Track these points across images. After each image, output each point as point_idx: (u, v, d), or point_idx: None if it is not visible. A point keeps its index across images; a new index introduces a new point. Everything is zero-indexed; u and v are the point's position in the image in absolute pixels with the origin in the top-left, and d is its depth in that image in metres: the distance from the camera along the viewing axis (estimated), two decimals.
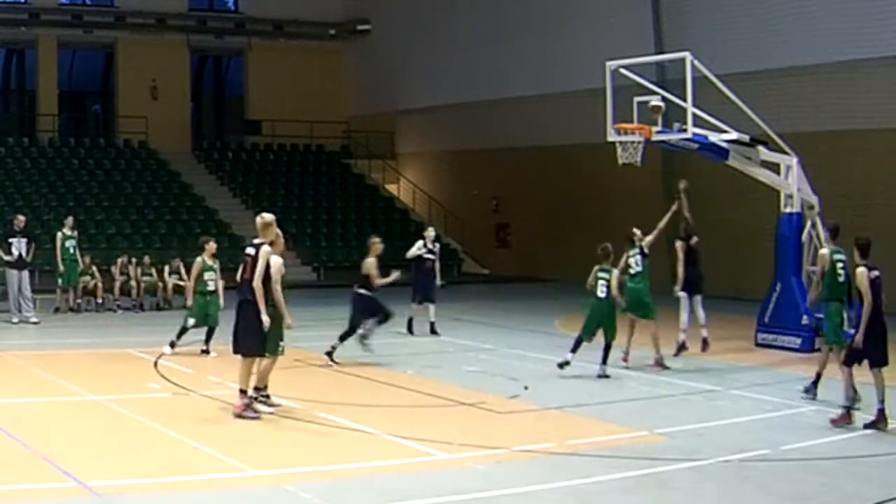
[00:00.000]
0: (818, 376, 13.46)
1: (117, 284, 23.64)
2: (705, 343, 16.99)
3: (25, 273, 21.32)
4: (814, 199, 18.58)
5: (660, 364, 15.88)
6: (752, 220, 23.41)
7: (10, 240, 21.36)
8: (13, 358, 16.40)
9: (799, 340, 17.31)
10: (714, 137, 17.93)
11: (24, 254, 21.34)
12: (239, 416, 11.94)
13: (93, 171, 34.88)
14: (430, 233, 20.28)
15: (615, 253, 15.58)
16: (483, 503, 9.02)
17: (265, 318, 11.94)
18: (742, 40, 26.08)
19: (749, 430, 11.96)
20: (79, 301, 23.21)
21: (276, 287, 12.19)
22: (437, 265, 19.91)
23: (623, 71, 18.49)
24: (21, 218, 22.00)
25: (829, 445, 11.13)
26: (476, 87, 34.66)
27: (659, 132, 17.68)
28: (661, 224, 16.68)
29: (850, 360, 12.03)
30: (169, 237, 31.46)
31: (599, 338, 15.32)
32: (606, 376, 15.10)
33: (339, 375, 15.49)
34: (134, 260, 24.22)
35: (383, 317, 16.46)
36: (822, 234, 18.50)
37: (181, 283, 23.99)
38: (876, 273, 11.95)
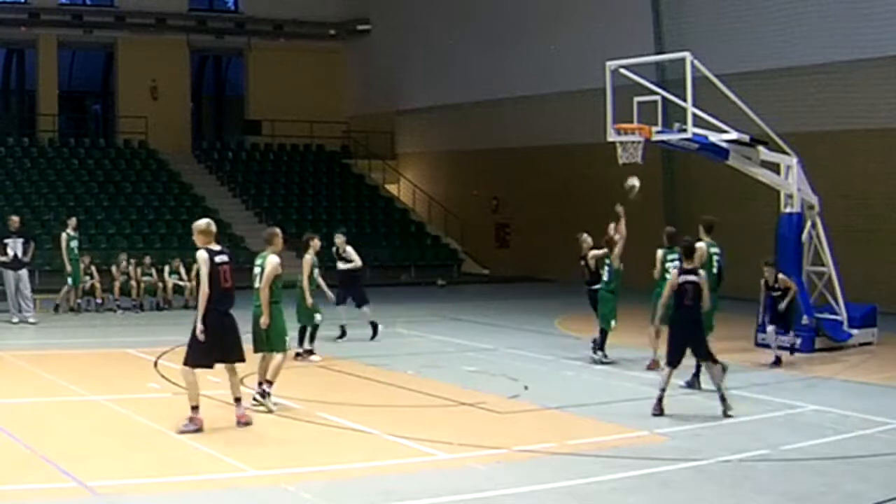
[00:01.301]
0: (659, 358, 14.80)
1: (117, 284, 23.63)
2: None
3: (24, 273, 21.30)
4: (814, 199, 18.56)
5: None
6: (753, 220, 23.37)
7: (6, 240, 21.33)
8: (13, 358, 16.39)
9: (799, 340, 17.30)
10: (714, 137, 17.91)
11: (20, 254, 21.31)
12: (246, 424, 11.61)
13: (93, 171, 34.87)
14: (338, 239, 18.88)
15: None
16: (483, 503, 9.03)
17: (264, 319, 12.15)
18: (742, 40, 26.06)
19: (749, 430, 11.95)
20: (79, 301, 23.21)
21: (265, 287, 12.28)
22: (357, 264, 18.61)
23: (623, 71, 18.47)
24: (15, 218, 21.93)
25: (828, 445, 11.13)
26: (476, 86, 34.66)
27: (659, 132, 17.68)
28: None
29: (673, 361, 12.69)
30: (169, 237, 31.43)
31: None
32: (601, 362, 15.95)
33: (339, 375, 15.49)
34: (134, 260, 24.20)
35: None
36: (822, 233, 18.54)
37: (181, 283, 24.05)
38: (688, 279, 12.53)
